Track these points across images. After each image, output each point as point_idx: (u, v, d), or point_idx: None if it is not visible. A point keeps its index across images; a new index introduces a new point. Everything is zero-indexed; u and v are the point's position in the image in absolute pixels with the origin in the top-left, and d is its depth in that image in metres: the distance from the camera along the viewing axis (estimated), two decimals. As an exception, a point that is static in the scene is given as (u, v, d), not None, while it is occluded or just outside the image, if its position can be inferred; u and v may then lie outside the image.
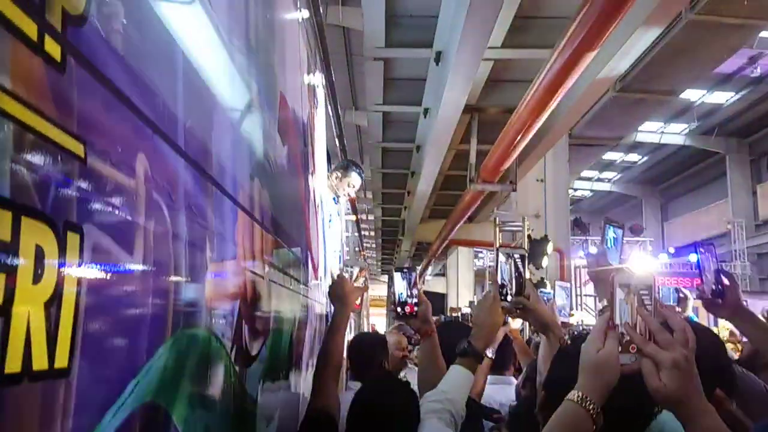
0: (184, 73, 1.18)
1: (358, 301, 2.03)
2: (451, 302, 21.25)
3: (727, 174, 19.43)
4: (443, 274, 23.21)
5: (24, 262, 0.62)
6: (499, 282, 1.68)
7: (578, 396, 1.03)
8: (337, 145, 6.28)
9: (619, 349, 1.03)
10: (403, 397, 1.67)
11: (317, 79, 4.05)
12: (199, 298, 1.22)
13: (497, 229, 11.04)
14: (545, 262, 10.17)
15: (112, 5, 0.82)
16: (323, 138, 4.34)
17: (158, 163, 0.98)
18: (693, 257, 1.84)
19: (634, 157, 21.23)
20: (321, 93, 4.29)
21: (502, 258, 1.68)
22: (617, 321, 1.04)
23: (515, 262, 1.67)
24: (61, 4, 0.67)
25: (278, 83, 2.36)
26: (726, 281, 1.85)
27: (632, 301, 1.02)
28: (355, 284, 2.04)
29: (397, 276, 1.81)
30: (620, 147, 18.71)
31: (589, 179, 23.10)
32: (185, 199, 1.12)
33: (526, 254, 1.74)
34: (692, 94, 15.40)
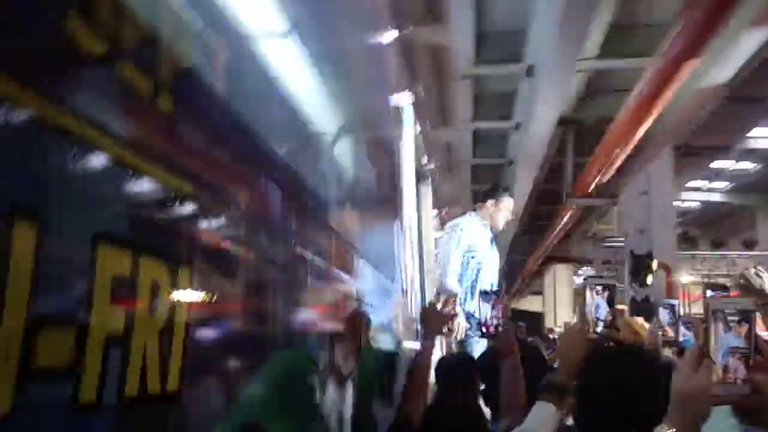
0: (281, 108, 1.25)
1: (445, 329, 2.07)
2: (548, 322, 20.50)
3: None
4: (540, 293, 22.48)
5: (142, 296, 0.69)
6: (588, 314, 1.62)
7: None
8: (427, 163, 6.30)
9: (715, 378, 0.96)
10: (467, 418, 1.70)
11: (406, 98, 4.10)
12: (296, 322, 1.28)
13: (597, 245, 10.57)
14: (650, 279, 9.61)
15: (215, 55, 0.89)
16: (411, 157, 4.38)
17: (258, 197, 1.05)
18: None
19: (746, 164, 19.61)
20: (410, 112, 4.34)
21: (588, 290, 1.63)
22: (715, 349, 0.97)
23: (604, 293, 1.61)
24: (171, 60, 0.74)
25: (368, 107, 2.43)
26: None
27: (739, 330, 0.96)
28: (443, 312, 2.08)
29: (477, 299, 1.86)
30: (731, 154, 17.35)
31: (697, 189, 21.54)
32: (284, 228, 1.19)
33: (615, 285, 1.68)
34: (814, 95, 14.04)
